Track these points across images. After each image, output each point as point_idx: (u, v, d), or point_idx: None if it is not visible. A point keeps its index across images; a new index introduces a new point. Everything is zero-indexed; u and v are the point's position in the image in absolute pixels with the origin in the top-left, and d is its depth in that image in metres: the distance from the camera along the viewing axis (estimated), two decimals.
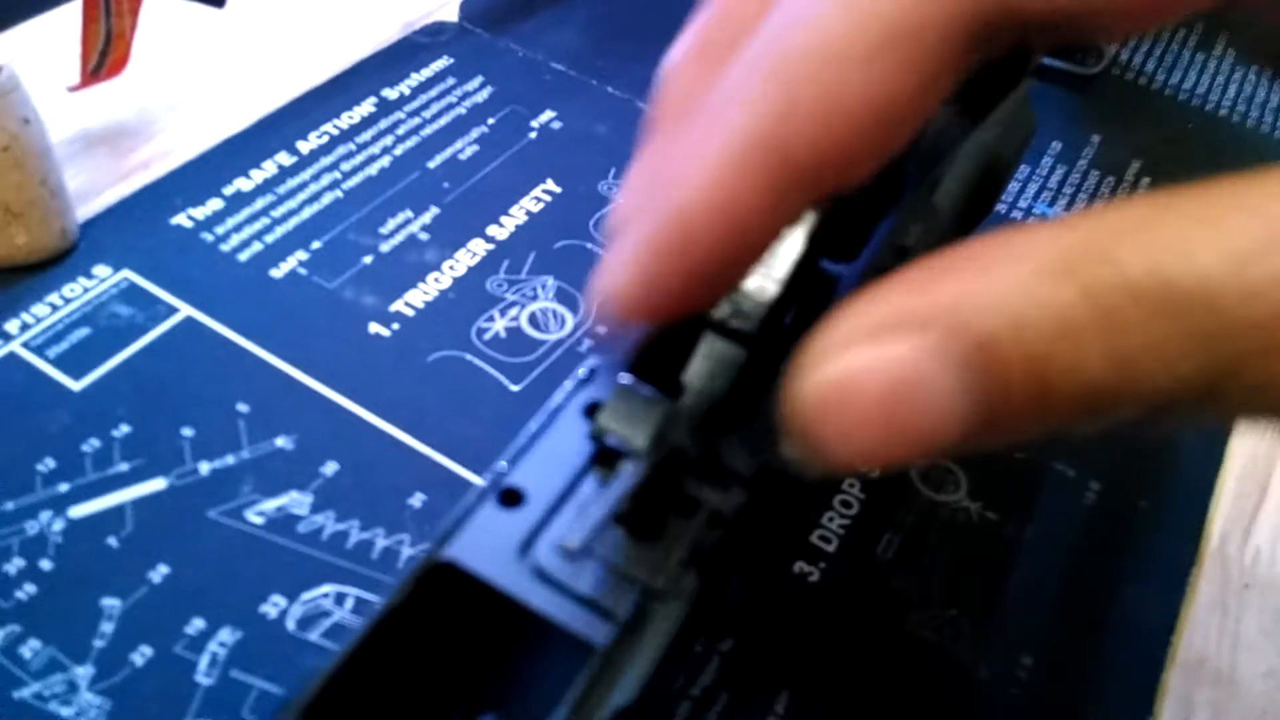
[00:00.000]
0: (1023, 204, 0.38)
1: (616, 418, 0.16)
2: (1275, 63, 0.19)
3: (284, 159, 0.36)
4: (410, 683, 0.16)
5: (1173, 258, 0.11)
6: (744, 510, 0.16)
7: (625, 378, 0.16)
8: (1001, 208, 0.37)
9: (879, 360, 0.12)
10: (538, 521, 0.16)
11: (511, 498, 0.16)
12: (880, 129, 0.13)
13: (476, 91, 0.40)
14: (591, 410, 0.17)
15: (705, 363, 0.17)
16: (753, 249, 0.14)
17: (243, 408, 0.28)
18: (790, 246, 0.17)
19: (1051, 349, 0.11)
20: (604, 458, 0.16)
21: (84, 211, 0.33)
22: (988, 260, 0.12)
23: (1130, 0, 0.13)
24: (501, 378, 0.30)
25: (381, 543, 0.26)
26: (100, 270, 0.32)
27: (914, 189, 0.20)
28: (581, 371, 0.17)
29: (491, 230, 0.34)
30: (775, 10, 0.14)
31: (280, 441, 0.28)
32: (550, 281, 0.33)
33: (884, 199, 0.19)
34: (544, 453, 0.16)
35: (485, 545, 0.15)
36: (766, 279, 0.17)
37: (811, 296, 0.18)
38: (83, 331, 0.30)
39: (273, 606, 0.24)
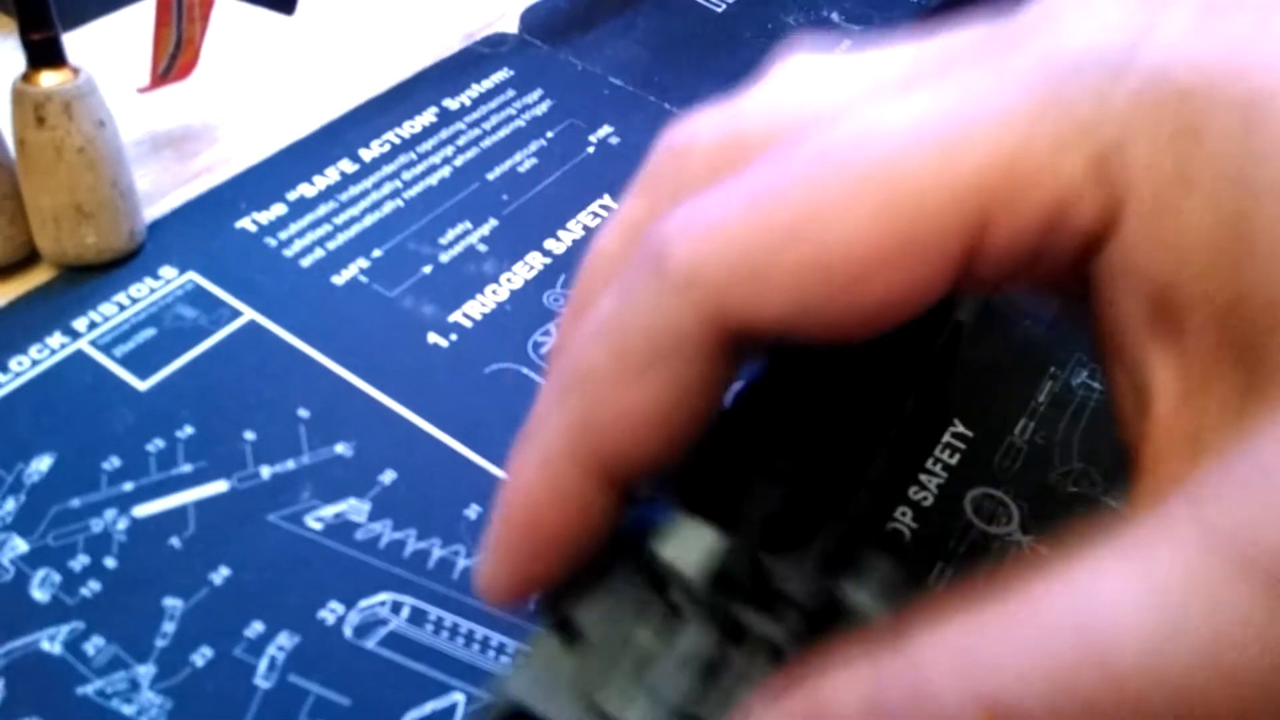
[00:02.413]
0: None
1: (670, 546, 0.16)
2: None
3: (346, 166, 0.36)
4: None
5: (986, 681, 0.12)
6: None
7: (679, 508, 0.16)
8: None
9: None
10: (595, 657, 0.16)
11: (569, 632, 0.16)
12: (670, 425, 0.15)
13: (536, 104, 0.40)
14: (646, 534, 0.17)
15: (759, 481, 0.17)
16: (591, 529, 0.16)
17: (303, 413, 0.29)
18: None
19: None
20: (658, 583, 0.16)
21: (150, 213, 0.34)
22: (810, 700, 0.13)
23: (841, 315, 0.14)
24: None
25: (438, 553, 0.26)
26: (166, 272, 0.32)
27: None
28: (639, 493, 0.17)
29: (549, 244, 0.35)
30: (581, 321, 0.17)
31: (340, 448, 0.28)
32: None
33: None
34: (599, 578, 0.16)
35: (546, 685, 0.15)
36: None
37: (874, 387, 0.18)
38: (149, 332, 0.30)
39: (330, 613, 0.25)
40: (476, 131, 0.38)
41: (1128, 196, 0.13)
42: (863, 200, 0.14)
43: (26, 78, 0.30)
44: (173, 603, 0.25)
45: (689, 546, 0.16)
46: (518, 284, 0.33)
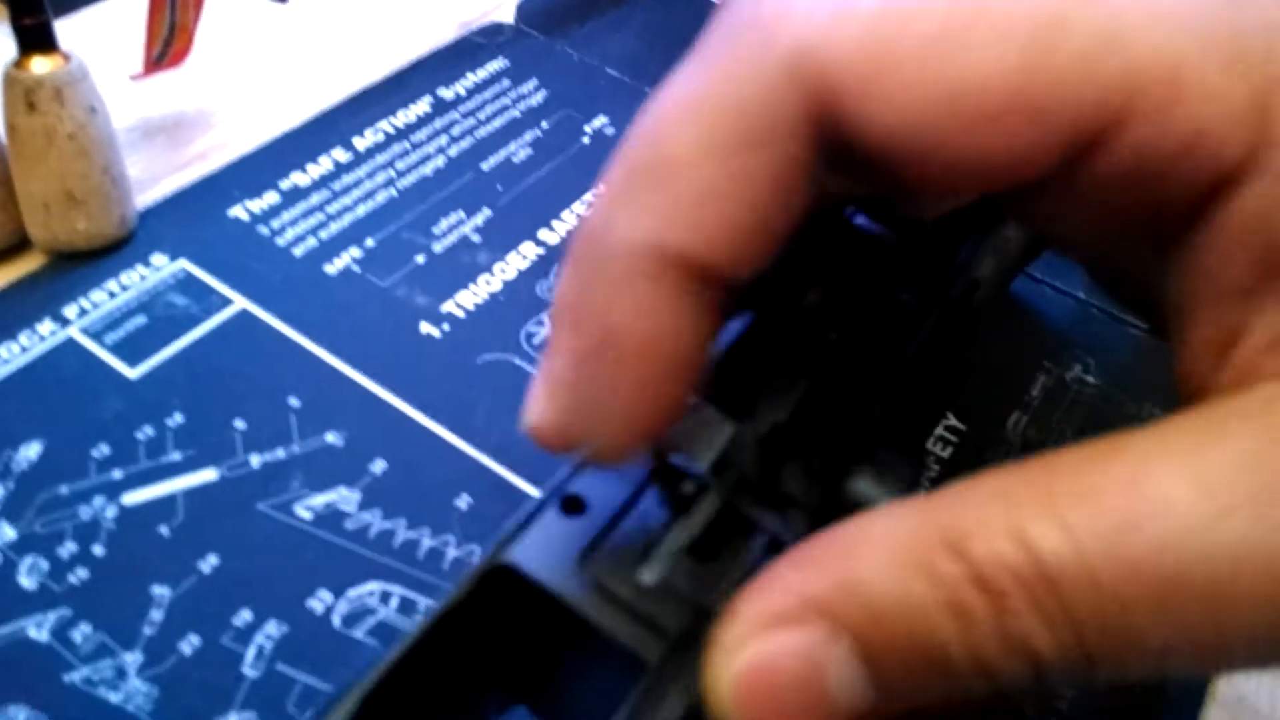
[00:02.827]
0: None
1: (683, 436, 0.16)
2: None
3: (340, 155, 0.36)
4: (457, 670, 0.16)
5: (1014, 546, 0.12)
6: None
7: (694, 398, 0.16)
8: None
9: (788, 646, 0.13)
10: (598, 532, 0.16)
11: (573, 505, 0.16)
12: (759, 221, 0.14)
13: (531, 95, 0.40)
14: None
15: (770, 389, 0.17)
16: (681, 345, 0.14)
17: (294, 402, 0.29)
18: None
19: (910, 636, 0.12)
20: (666, 473, 0.16)
21: (141, 200, 0.34)
22: (849, 549, 0.13)
23: (945, 156, 0.13)
24: None
25: (427, 543, 0.26)
26: (158, 259, 0.32)
27: (1001, 223, 0.20)
28: None
29: (543, 234, 0.34)
30: (639, 128, 0.14)
31: (330, 437, 0.28)
32: None
33: (963, 232, 0.19)
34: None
35: (545, 551, 0.15)
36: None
37: (888, 329, 0.18)
38: (139, 320, 0.30)
39: (319, 602, 0.25)
40: (471, 121, 0.38)
41: (1273, 143, 0.13)
42: (1017, 38, 0.13)
43: (18, 63, 0.30)
44: (161, 591, 0.25)
45: (703, 438, 0.16)
46: (511, 274, 0.33)
